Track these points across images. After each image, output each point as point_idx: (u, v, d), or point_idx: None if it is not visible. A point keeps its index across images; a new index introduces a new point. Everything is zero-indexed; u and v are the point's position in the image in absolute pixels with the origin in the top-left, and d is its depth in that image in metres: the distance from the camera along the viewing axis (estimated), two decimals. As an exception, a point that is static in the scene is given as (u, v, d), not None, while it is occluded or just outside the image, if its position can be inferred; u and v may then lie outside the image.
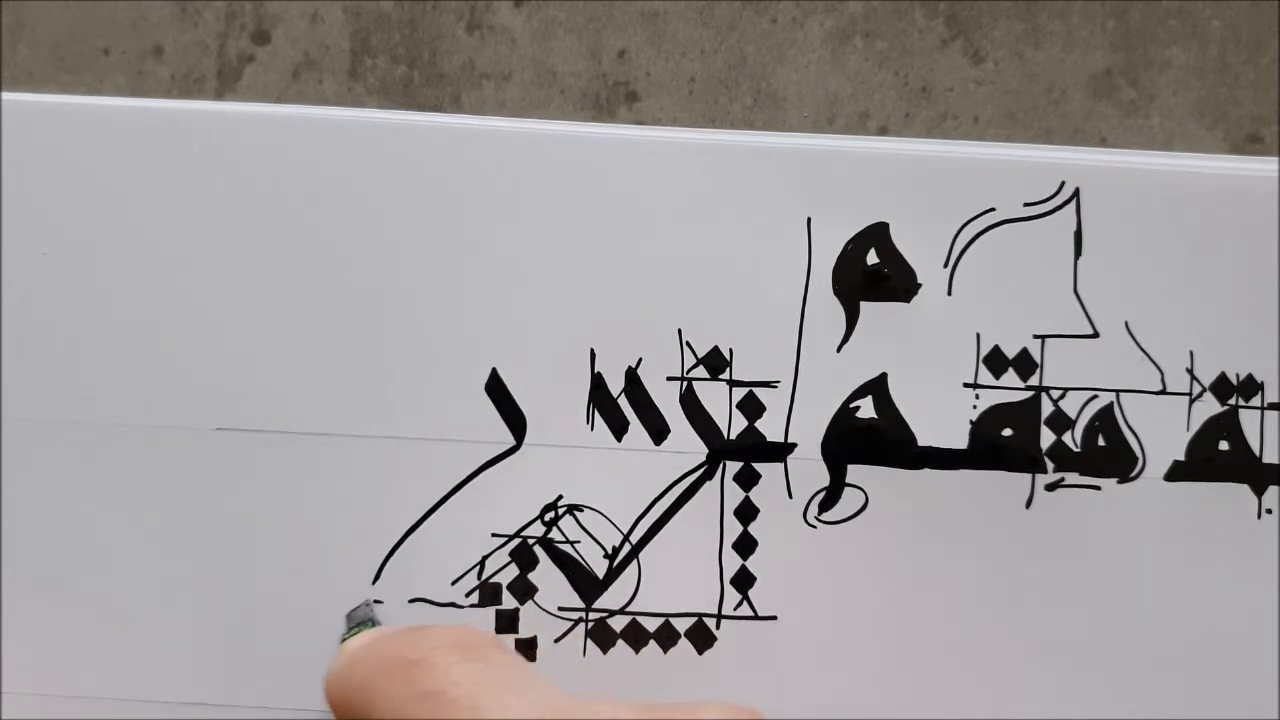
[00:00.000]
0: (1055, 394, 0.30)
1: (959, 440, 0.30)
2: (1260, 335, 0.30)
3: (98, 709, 0.30)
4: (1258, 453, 0.30)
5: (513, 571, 0.30)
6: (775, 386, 0.30)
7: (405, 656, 0.20)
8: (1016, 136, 0.31)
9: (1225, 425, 0.30)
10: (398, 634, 0.22)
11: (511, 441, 0.30)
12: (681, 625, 0.30)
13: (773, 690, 0.30)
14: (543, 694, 0.19)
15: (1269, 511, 0.29)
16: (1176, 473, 0.30)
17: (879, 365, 0.30)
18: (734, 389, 0.30)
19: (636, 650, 0.30)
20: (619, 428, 0.30)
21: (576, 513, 0.30)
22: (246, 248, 0.30)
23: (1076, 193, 0.30)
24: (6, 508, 0.30)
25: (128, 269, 0.30)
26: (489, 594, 0.30)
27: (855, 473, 0.30)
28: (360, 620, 0.28)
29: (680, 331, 0.30)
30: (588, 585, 0.30)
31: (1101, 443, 0.30)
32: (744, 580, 0.30)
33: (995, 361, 0.30)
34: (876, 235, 0.30)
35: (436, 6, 0.32)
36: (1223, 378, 0.30)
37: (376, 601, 0.29)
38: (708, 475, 0.30)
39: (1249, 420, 0.30)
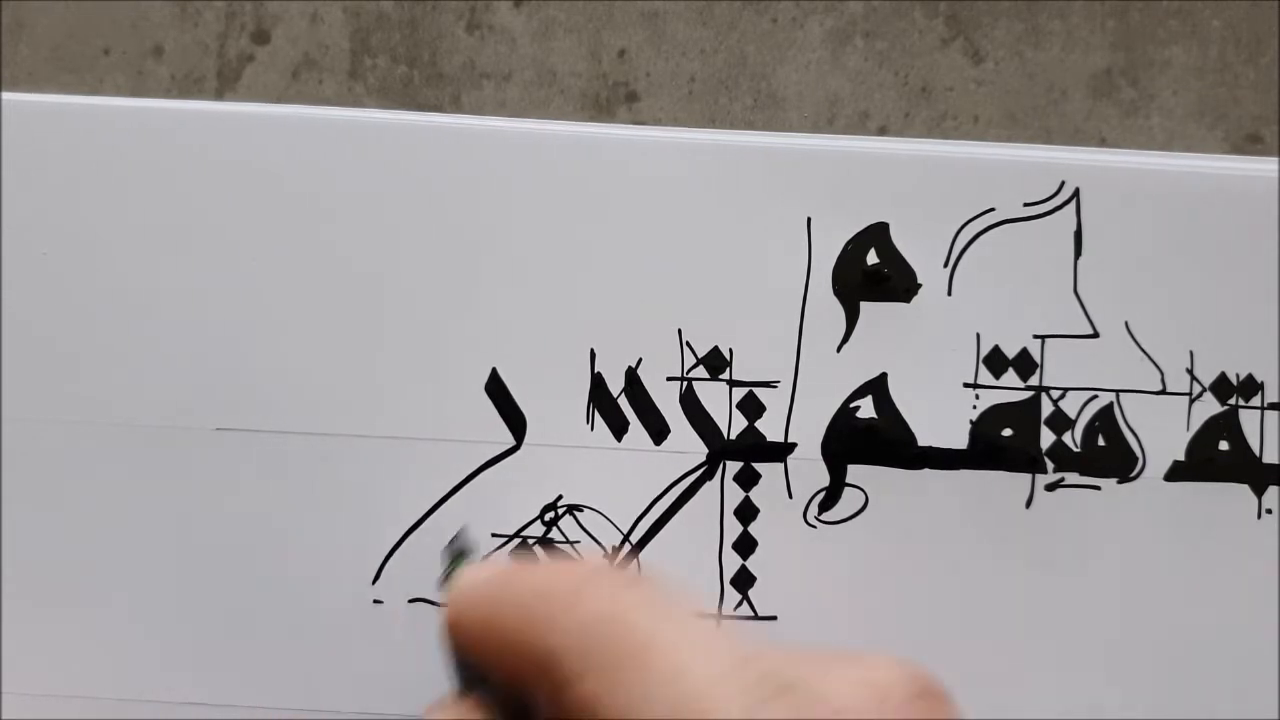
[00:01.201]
0: (1055, 394, 0.30)
1: (959, 440, 0.30)
2: (1260, 335, 0.30)
3: (98, 709, 0.30)
4: (1258, 453, 0.30)
5: (513, 571, 0.30)
6: (775, 386, 0.30)
7: (561, 583, 0.20)
8: (1016, 136, 0.31)
9: (1225, 425, 0.30)
10: (528, 568, 0.21)
11: (511, 441, 0.30)
12: (681, 625, 0.30)
13: (773, 690, 0.30)
14: (711, 632, 0.19)
15: (1269, 511, 0.29)
16: (1176, 473, 0.30)
17: (879, 365, 0.30)
18: (734, 389, 0.30)
19: (636, 650, 0.30)
20: (619, 428, 0.30)
21: (576, 513, 0.30)
22: (246, 248, 0.30)
23: (1076, 193, 0.30)
24: (6, 508, 0.30)
25: (128, 269, 0.30)
26: (489, 594, 0.30)
27: (855, 473, 0.30)
28: (460, 550, 0.25)
29: (680, 331, 0.30)
30: (588, 585, 0.30)
31: (1101, 443, 0.30)
32: (744, 580, 0.30)
33: (995, 361, 0.30)
34: (876, 235, 0.30)
35: (436, 6, 0.32)
36: (1223, 378, 0.30)
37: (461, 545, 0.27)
38: (708, 475, 0.30)
39: (1249, 420, 0.30)
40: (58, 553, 0.30)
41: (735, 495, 0.30)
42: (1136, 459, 0.29)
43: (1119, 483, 0.29)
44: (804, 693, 0.17)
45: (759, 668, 0.17)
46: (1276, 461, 0.29)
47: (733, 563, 0.30)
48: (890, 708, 0.18)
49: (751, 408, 0.30)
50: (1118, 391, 0.30)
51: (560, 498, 0.30)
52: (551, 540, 0.30)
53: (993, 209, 0.29)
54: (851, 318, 0.30)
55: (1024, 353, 0.30)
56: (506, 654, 0.19)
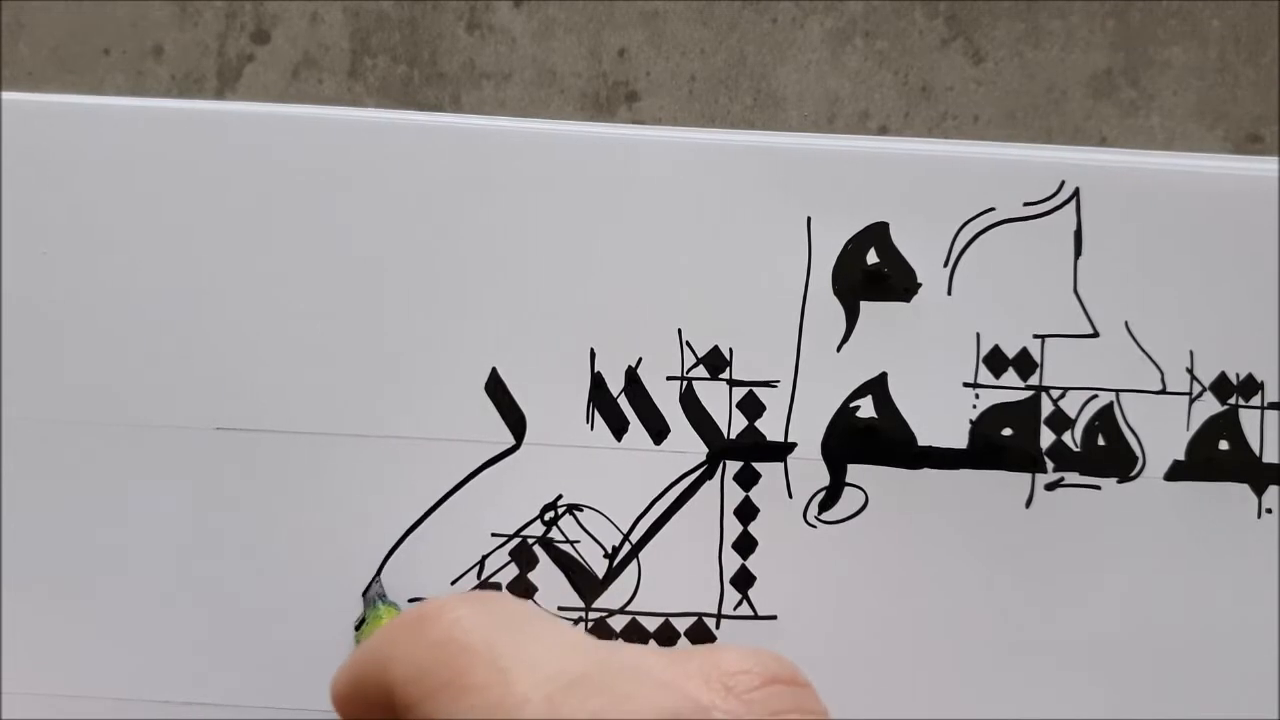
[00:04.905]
0: (1055, 394, 0.30)
1: (959, 440, 0.30)
2: (1260, 335, 0.30)
3: (98, 709, 0.30)
4: (1258, 452, 0.30)
5: (513, 571, 0.30)
6: (775, 386, 0.30)
7: (419, 613, 0.20)
8: (1016, 136, 0.31)
9: (1225, 425, 0.30)
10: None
11: (511, 441, 0.30)
12: (681, 625, 0.30)
13: (773, 690, 0.30)
14: (560, 638, 0.19)
15: (1269, 511, 0.29)
16: (1176, 473, 0.30)
17: (879, 365, 0.30)
18: (734, 389, 0.30)
19: (636, 650, 0.30)
20: (619, 428, 0.30)
21: (576, 512, 0.30)
22: (246, 247, 0.30)
23: (1076, 193, 0.30)
24: (6, 508, 0.30)
25: (127, 269, 0.30)
26: (489, 594, 0.30)
27: (855, 473, 0.30)
28: (373, 598, 0.27)
29: (680, 331, 0.30)
30: (588, 585, 0.30)
31: (1101, 442, 0.30)
32: (744, 580, 0.30)
33: (995, 361, 0.30)
34: (876, 235, 0.30)
35: (436, 6, 0.32)
36: (1223, 378, 0.30)
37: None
38: (708, 475, 0.30)
39: (1249, 420, 0.30)
40: (58, 553, 0.30)
41: (735, 495, 0.30)
42: (1136, 459, 0.29)
43: (1119, 482, 0.29)
44: (608, 693, 0.17)
45: (581, 668, 0.17)
46: (1276, 461, 0.29)
47: (733, 562, 0.30)
48: (735, 696, 0.17)
49: (751, 407, 0.30)
50: (1118, 391, 0.30)
51: (560, 497, 0.30)
52: (551, 540, 0.30)
53: (993, 209, 0.30)
54: (851, 317, 0.30)
55: (1024, 352, 0.30)
56: (358, 702, 0.19)
